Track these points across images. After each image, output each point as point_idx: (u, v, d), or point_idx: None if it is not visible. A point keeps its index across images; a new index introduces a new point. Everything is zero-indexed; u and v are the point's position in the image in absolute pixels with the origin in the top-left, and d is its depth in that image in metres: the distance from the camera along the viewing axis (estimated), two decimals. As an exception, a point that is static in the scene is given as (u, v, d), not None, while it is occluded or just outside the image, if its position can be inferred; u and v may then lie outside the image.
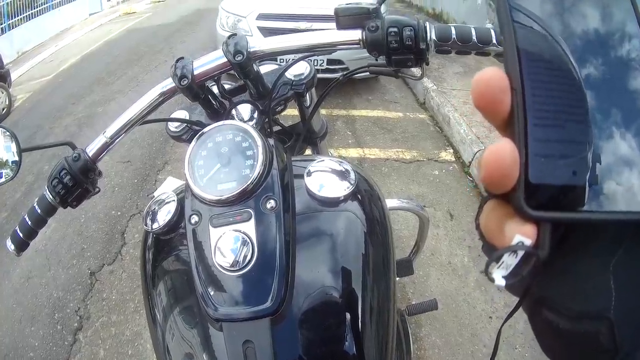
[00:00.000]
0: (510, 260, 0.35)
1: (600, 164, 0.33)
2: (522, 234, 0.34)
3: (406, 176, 4.25)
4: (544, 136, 0.33)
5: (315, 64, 5.11)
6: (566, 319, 0.37)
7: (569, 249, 0.37)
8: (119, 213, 3.96)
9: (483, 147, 4.14)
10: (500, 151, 0.32)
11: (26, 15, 10.90)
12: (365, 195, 0.99)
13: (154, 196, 1.06)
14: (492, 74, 0.33)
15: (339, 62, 5.41)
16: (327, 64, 5.32)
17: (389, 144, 4.83)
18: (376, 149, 4.71)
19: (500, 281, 0.35)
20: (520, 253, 0.34)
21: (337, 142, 4.69)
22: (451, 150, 4.66)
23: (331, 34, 1.01)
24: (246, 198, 0.85)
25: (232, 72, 1.05)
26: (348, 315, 0.85)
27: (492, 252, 0.36)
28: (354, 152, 4.58)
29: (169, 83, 1.05)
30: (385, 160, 4.49)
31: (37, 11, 11.31)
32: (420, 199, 3.79)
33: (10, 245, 1.13)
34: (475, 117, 4.79)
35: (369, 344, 0.85)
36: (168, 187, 1.09)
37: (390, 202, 1.07)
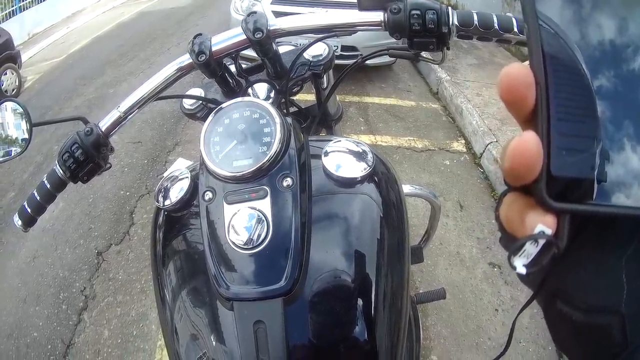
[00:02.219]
0: (531, 249, 0.35)
1: (618, 158, 0.34)
2: (543, 224, 0.34)
3: (417, 165, 4.25)
4: (566, 130, 0.33)
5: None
6: (579, 312, 0.37)
7: (584, 242, 0.37)
8: (127, 193, 3.96)
9: (495, 140, 4.14)
10: (525, 142, 0.33)
11: (38, -3, 10.92)
12: (382, 177, 0.98)
13: (163, 177, 1.06)
14: (518, 69, 0.34)
15: (353, 48, 5.38)
16: (341, 50, 5.27)
17: (401, 132, 4.82)
18: (388, 136, 4.71)
19: (521, 269, 0.36)
20: (541, 242, 0.35)
21: (349, 129, 4.68)
22: (463, 141, 4.66)
23: (352, 14, 1.00)
24: (262, 175, 0.85)
25: (247, 52, 1.04)
26: (361, 300, 0.84)
27: (512, 242, 0.37)
28: (366, 139, 4.54)
29: (186, 59, 1.05)
30: (397, 148, 4.49)
31: (48, -7, 11.31)
32: (430, 188, 3.78)
33: (18, 221, 1.12)
34: (488, 108, 4.78)
35: (381, 330, 0.84)
36: (178, 168, 1.08)
37: (403, 188, 1.06)
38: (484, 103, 4.95)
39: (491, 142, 4.15)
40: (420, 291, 1.97)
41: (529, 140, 0.33)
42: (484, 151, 4.21)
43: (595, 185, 0.34)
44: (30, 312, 2.97)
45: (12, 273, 3.31)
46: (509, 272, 3.08)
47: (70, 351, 2.69)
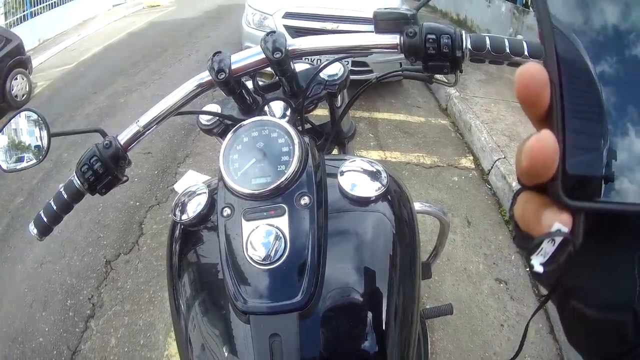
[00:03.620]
0: (548, 248, 0.36)
1: (627, 155, 0.35)
2: (560, 222, 0.35)
3: (426, 181, 4.25)
4: (579, 129, 0.34)
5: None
6: (593, 309, 0.38)
7: (596, 240, 0.38)
8: (137, 204, 3.97)
9: (503, 156, 4.15)
10: (543, 141, 0.34)
11: (49, 4, 11.00)
12: (396, 196, 1.00)
13: (173, 189, 1.07)
14: (535, 68, 0.35)
15: (364, 64, 5.41)
16: (352, 66, 5.26)
17: (410, 148, 4.83)
18: (397, 152, 4.72)
19: (538, 268, 0.37)
20: (558, 240, 0.36)
21: (359, 144, 4.67)
22: (471, 157, 4.66)
23: (369, 36, 1.02)
24: (280, 193, 0.86)
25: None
26: (373, 315, 0.86)
27: (527, 241, 0.38)
28: (375, 155, 4.57)
29: (206, 75, 1.07)
30: (405, 164, 4.49)
31: (59, 0, 11.38)
32: (440, 205, 3.78)
33: (33, 230, 1.13)
34: (496, 125, 4.78)
35: (392, 344, 0.86)
36: (188, 180, 1.09)
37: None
38: (492, 119, 4.96)
39: (499, 159, 4.15)
40: (427, 306, 1.98)
41: (547, 139, 0.34)
42: (492, 167, 4.21)
43: (603, 184, 0.34)
44: (36, 318, 2.98)
45: (19, 278, 3.32)
46: (515, 287, 3.09)
47: (75, 358, 2.70)
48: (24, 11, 10.17)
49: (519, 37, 0.96)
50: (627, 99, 0.35)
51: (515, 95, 0.36)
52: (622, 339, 0.37)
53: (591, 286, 0.39)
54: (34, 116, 1.10)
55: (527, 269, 3.16)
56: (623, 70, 0.35)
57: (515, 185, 3.71)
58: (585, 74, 0.35)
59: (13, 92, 6.63)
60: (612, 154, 0.34)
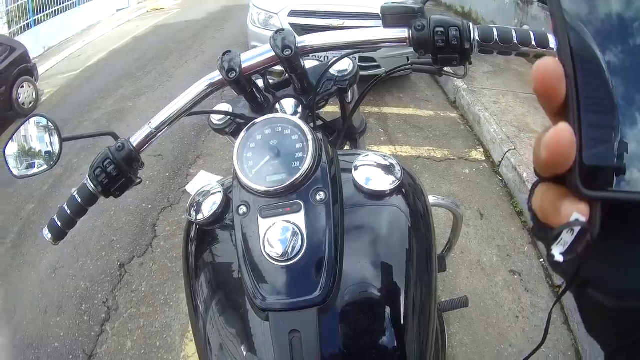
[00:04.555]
0: (567, 238, 0.37)
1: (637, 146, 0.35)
2: (578, 212, 0.36)
3: (437, 174, 4.25)
4: (594, 121, 0.35)
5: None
6: (611, 298, 0.38)
7: (612, 229, 0.38)
8: (150, 206, 3.98)
9: (513, 147, 4.14)
10: (561, 133, 0.35)
11: (52, 11, 11.07)
12: (410, 189, 1.00)
13: (185, 190, 1.07)
14: (551, 62, 0.36)
15: (371, 59, 5.40)
16: (359, 61, 5.23)
17: (420, 142, 4.83)
18: (408, 146, 4.72)
19: (559, 257, 0.37)
20: (577, 229, 0.36)
21: (369, 139, 4.64)
22: (481, 150, 4.65)
23: (378, 31, 1.03)
24: (296, 190, 0.86)
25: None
26: (391, 309, 0.86)
27: (545, 232, 0.39)
28: (386, 150, 4.55)
29: (216, 75, 1.07)
30: (416, 158, 4.49)
31: (62, 7, 11.47)
32: (452, 198, 3.77)
33: (48, 234, 1.13)
34: (505, 116, 4.77)
35: (410, 338, 0.86)
36: (200, 181, 1.09)
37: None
38: (501, 111, 4.94)
39: (510, 150, 4.14)
40: (443, 300, 1.98)
41: (565, 131, 0.34)
42: (502, 159, 4.20)
43: (618, 174, 0.35)
44: (51, 323, 3.00)
45: (32, 284, 3.34)
46: (529, 279, 3.08)
47: (92, 361, 2.72)
48: (27, 19, 10.23)
49: (525, 27, 0.97)
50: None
51: (533, 90, 0.37)
52: (638, 327, 0.37)
53: (608, 275, 0.39)
54: (44, 122, 1.11)
55: (542, 261, 3.16)
56: (635, 63, 0.36)
57: (526, 176, 3.70)
58: (599, 67, 0.35)
59: (20, 100, 6.68)
60: (625, 145, 0.35)
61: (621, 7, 0.36)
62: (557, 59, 0.36)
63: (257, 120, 0.95)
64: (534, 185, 0.42)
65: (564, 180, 0.37)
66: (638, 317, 0.36)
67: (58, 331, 2.93)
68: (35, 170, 1.13)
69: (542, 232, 0.40)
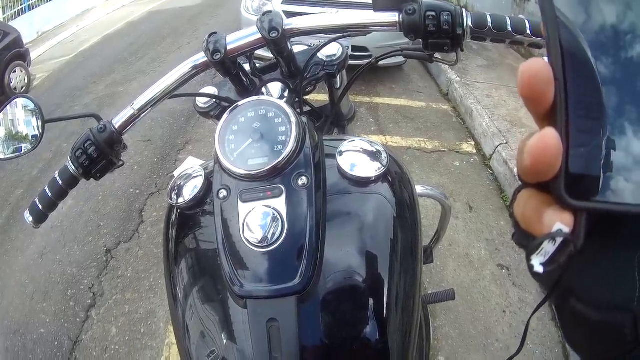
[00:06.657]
0: (548, 248, 0.35)
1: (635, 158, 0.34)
2: (561, 222, 0.35)
3: (427, 166, 4.24)
4: (582, 127, 0.34)
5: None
6: (592, 310, 0.37)
7: (597, 240, 0.37)
8: (137, 191, 3.97)
9: (504, 141, 4.14)
10: (547, 139, 0.33)
11: (46, -4, 10.97)
12: (396, 177, 0.98)
13: (174, 176, 1.06)
14: (539, 65, 0.34)
15: (364, 49, 5.38)
16: (352, 50, 5.24)
17: (411, 132, 4.82)
18: (398, 137, 4.71)
19: (538, 268, 0.36)
20: (559, 240, 0.35)
21: (360, 129, 4.66)
22: (472, 142, 4.65)
23: (367, 14, 1.00)
24: (277, 174, 0.85)
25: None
26: (374, 299, 0.84)
27: (527, 239, 0.38)
28: (376, 139, 4.44)
29: (201, 57, 1.05)
30: (407, 149, 4.48)
31: (57, -8, 11.35)
32: (441, 189, 3.78)
33: (29, 217, 1.12)
34: (498, 110, 4.77)
35: (393, 329, 0.84)
36: (188, 167, 1.08)
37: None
38: (494, 104, 4.94)
39: (501, 144, 4.14)
40: (429, 292, 1.97)
41: (550, 137, 0.33)
42: (493, 153, 4.20)
43: (622, 183, 0.33)
44: (37, 309, 2.98)
45: (20, 269, 3.33)
46: (517, 273, 3.08)
47: (77, 348, 2.70)
48: (21, 4, 10.15)
49: (521, 17, 0.95)
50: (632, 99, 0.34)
51: (518, 92, 0.36)
52: (620, 341, 0.36)
53: (591, 286, 0.38)
54: (31, 105, 1.09)
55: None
56: (626, 70, 0.34)
57: (517, 170, 3.69)
58: (590, 72, 0.34)
59: (12, 84, 6.65)
60: (616, 153, 0.34)
61: (617, 12, 0.35)
62: (545, 60, 0.34)
63: (240, 103, 0.93)
64: (517, 191, 0.41)
65: (548, 187, 0.36)
66: (619, 333, 0.36)
67: (44, 317, 2.92)
68: (21, 153, 1.11)
69: (524, 239, 0.39)
